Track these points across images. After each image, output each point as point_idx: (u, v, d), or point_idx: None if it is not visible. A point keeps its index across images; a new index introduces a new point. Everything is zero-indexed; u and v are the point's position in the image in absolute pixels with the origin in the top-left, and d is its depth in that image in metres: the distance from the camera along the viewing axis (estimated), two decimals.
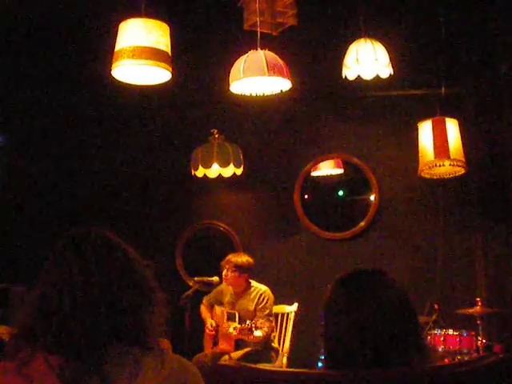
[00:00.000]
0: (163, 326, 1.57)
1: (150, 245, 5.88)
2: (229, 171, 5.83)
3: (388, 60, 4.30)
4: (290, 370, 3.64)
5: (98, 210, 6.20)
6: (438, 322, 4.86)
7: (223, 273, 5.15)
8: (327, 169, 6.20)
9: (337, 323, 1.67)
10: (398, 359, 1.60)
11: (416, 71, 5.62)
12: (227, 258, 5.16)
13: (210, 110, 6.17)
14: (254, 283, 5.22)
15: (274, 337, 5.20)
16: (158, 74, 3.88)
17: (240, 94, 4.11)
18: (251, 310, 5.08)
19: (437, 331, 4.73)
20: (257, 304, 5.09)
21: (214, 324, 5.21)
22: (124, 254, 1.59)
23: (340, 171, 6.19)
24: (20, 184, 6.11)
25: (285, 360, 5.15)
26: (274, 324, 5.14)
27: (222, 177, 5.89)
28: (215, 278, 5.13)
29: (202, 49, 6.08)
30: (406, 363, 1.60)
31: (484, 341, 4.69)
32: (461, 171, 5.16)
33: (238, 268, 5.10)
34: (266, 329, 4.92)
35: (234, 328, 4.89)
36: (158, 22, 3.73)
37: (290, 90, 4.10)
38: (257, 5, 4.32)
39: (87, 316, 1.47)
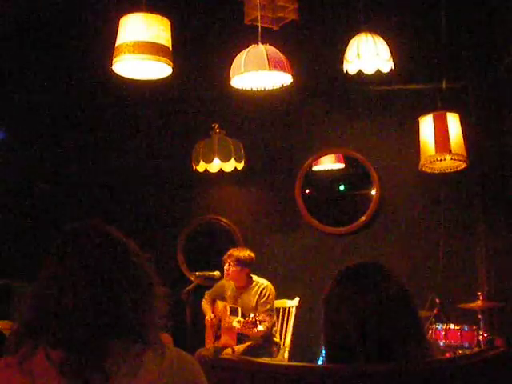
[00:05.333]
0: (164, 320, 1.57)
1: (152, 239, 5.88)
2: (230, 166, 5.82)
3: (389, 54, 4.30)
4: (292, 363, 3.65)
5: (99, 205, 6.20)
6: (440, 317, 4.87)
7: (225, 267, 5.15)
8: (328, 163, 6.20)
9: (337, 317, 1.67)
10: (398, 353, 1.60)
11: (417, 65, 5.61)
12: (229, 252, 5.18)
13: (210, 105, 6.16)
14: (255, 278, 5.22)
15: (276, 331, 5.21)
16: (158, 69, 3.88)
17: (241, 88, 4.11)
18: (253, 305, 5.09)
19: (438, 325, 4.73)
20: (258, 299, 5.10)
21: (212, 316, 5.21)
22: (124, 248, 1.58)
23: (341, 166, 6.18)
24: (21, 181, 6.11)
25: (286, 354, 5.16)
26: (274, 319, 5.15)
27: (223, 171, 5.88)
28: (216, 273, 5.13)
29: (202, 43, 6.08)
30: (407, 357, 1.60)
31: (485, 335, 4.69)
32: (462, 165, 5.14)
33: (240, 262, 5.11)
34: (267, 323, 4.93)
35: (238, 321, 4.90)
36: (159, 17, 3.74)
37: (291, 84, 4.09)
38: None
39: (88, 311, 1.47)
